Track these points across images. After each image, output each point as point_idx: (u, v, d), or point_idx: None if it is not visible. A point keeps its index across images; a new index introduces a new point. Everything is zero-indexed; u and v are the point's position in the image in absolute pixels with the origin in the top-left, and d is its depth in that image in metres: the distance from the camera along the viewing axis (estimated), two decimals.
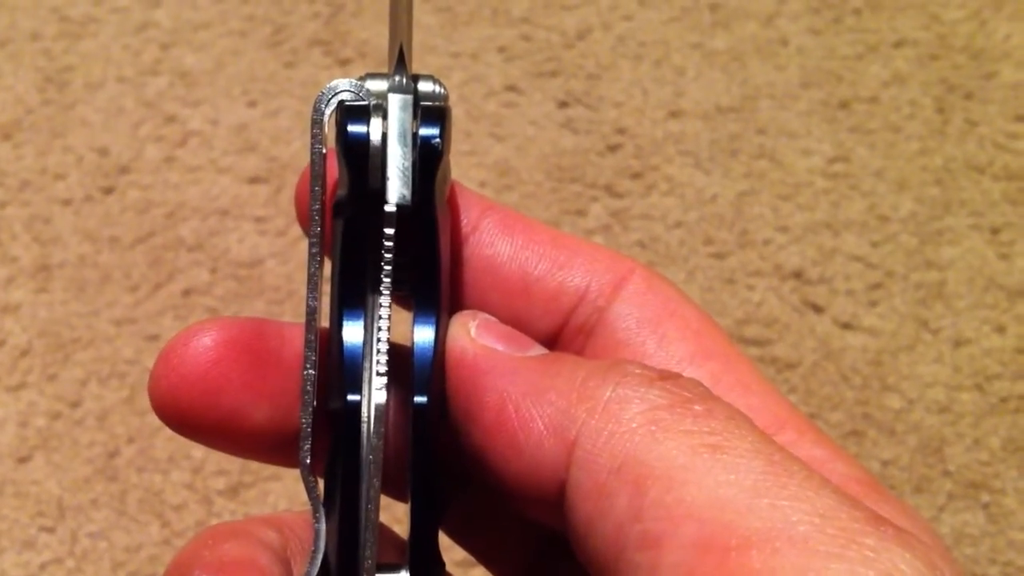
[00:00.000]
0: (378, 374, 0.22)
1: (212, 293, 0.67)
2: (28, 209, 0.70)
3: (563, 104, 0.76)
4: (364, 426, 0.22)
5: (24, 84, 0.76)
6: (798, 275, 0.70)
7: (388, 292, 0.22)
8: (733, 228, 0.71)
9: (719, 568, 0.18)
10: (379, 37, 0.77)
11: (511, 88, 0.77)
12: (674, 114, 0.76)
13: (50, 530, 0.60)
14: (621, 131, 0.75)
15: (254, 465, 0.61)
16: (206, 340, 0.23)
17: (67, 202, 0.70)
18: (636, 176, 0.73)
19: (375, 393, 0.22)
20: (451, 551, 0.25)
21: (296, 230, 0.69)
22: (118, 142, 0.73)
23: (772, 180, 0.74)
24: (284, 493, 0.61)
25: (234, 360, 0.23)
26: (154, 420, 0.64)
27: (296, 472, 0.22)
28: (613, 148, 0.74)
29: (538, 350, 0.23)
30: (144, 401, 0.63)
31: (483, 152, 0.74)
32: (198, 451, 0.62)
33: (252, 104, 0.75)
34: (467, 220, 0.25)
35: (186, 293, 0.67)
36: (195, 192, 0.71)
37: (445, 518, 0.24)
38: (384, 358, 0.22)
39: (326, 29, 0.79)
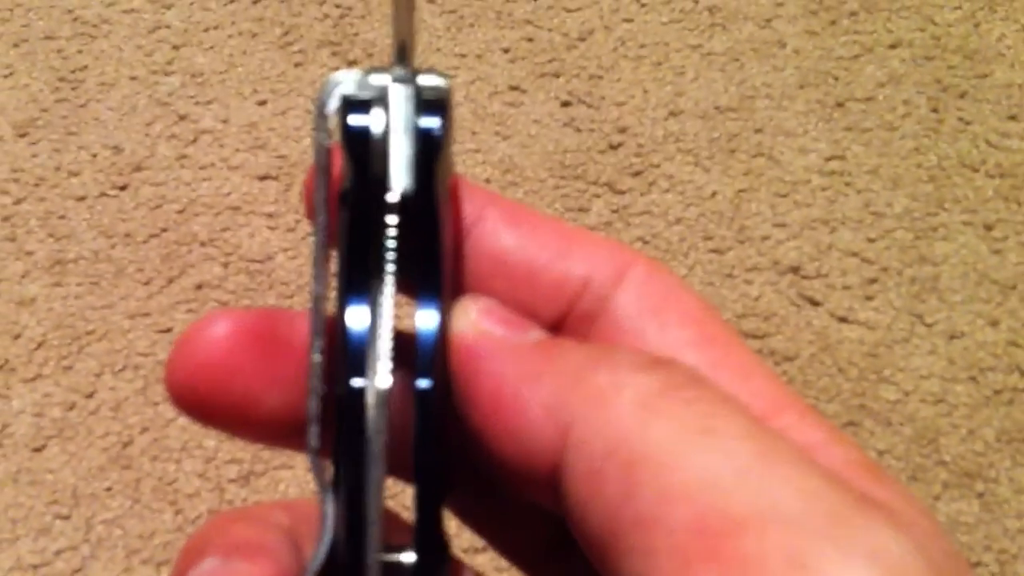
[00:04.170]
0: (380, 359, 0.22)
1: (224, 287, 0.68)
2: (43, 205, 0.71)
3: (566, 103, 0.78)
4: (368, 411, 0.23)
5: (39, 83, 0.77)
6: (795, 270, 0.71)
7: (391, 279, 0.23)
8: (732, 224, 0.72)
9: (712, 551, 0.18)
10: (387, 38, 0.78)
11: (515, 88, 0.78)
12: (674, 113, 0.77)
13: (65, 518, 0.61)
14: (622, 130, 0.76)
15: (266, 454, 0.62)
16: (219, 330, 0.23)
17: (81, 198, 0.72)
18: (637, 174, 0.74)
19: (378, 378, 0.22)
20: (459, 537, 0.25)
21: (306, 226, 0.70)
22: (131, 140, 0.74)
23: (770, 178, 0.75)
24: (295, 481, 0.62)
25: (247, 348, 0.24)
26: (167, 410, 0.65)
27: (307, 460, 0.23)
28: (615, 146, 0.75)
29: (538, 334, 0.23)
30: (157, 392, 0.64)
31: (488, 150, 0.75)
32: (211, 440, 0.63)
33: (262, 103, 0.76)
34: (471, 212, 0.25)
35: (198, 287, 0.68)
36: (207, 189, 0.72)
37: (456, 502, 0.25)
38: (387, 343, 0.23)
39: (335, 31, 0.80)
